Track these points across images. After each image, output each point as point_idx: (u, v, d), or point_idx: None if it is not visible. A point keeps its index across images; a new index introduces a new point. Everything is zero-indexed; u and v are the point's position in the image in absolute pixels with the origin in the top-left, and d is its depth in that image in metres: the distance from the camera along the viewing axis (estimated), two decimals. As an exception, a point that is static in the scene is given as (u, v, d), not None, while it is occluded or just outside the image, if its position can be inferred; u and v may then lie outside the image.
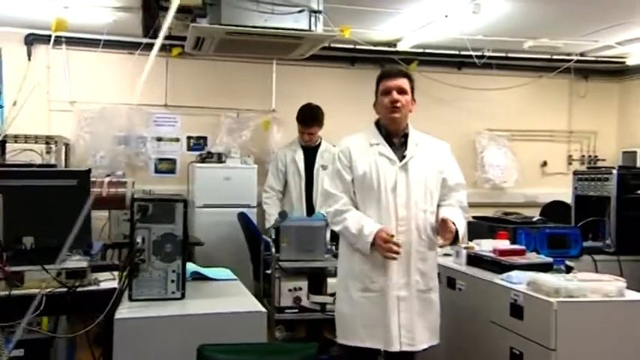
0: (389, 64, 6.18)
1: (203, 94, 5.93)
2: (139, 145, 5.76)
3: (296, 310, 3.49)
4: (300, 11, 3.83)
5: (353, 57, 6.18)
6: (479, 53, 5.95)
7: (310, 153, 4.30)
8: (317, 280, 3.60)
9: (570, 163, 6.92)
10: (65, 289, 1.96)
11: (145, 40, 5.04)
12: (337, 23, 4.79)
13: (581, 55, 6.24)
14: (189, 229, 5.40)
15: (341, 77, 6.29)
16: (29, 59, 5.53)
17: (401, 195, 2.59)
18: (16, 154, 5.22)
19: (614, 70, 6.76)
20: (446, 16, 4.61)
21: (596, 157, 6.97)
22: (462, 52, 5.99)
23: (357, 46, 5.88)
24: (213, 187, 5.27)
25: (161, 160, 5.91)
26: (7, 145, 5.20)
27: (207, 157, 5.56)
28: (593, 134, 6.98)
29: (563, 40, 5.45)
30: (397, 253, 2.50)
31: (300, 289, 3.52)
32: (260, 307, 1.97)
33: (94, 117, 5.61)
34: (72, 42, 5.57)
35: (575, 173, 3.92)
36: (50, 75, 5.61)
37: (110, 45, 5.55)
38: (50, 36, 5.48)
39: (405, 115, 2.69)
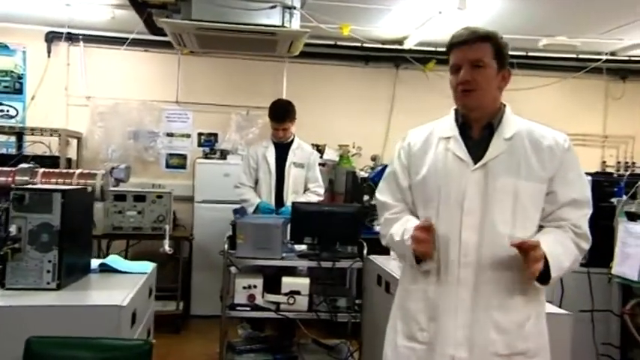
0: (404, 63, 6.05)
1: (214, 91, 5.99)
2: (149, 140, 5.90)
3: (248, 309, 3.45)
4: (272, 7, 3.80)
5: (367, 56, 6.06)
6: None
7: (282, 150, 4.24)
8: (273, 279, 3.54)
9: (604, 170, 6.48)
10: None
11: (158, 38, 5.17)
12: (336, 20, 4.73)
13: (612, 54, 5.82)
14: (186, 223, 5.60)
15: (354, 76, 6.18)
16: (49, 56, 5.78)
17: (471, 211, 1.79)
18: (28, 146, 5.50)
19: (655, 71, 6.28)
20: (440, 13, 4.42)
21: (633, 163, 6.47)
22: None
23: (371, 45, 5.77)
24: (213, 183, 5.33)
25: (172, 155, 6.03)
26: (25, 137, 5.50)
27: (210, 154, 5.63)
28: (631, 139, 6.50)
29: (582, 39, 5.11)
30: (428, 247, 1.79)
31: (255, 287, 3.48)
32: (118, 302, 1.94)
33: (107, 112, 5.80)
34: (89, 39, 5.79)
35: (558, 179, 3.65)
36: (69, 71, 5.85)
37: (123, 42, 5.71)
38: (69, 34, 5.74)
39: (491, 98, 1.87)
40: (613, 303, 3.19)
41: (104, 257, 4.81)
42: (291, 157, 4.23)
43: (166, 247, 4.58)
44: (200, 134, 6.06)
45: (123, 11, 4.70)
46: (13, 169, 3.76)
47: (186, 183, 5.76)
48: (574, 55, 5.87)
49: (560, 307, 3.21)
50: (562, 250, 1.78)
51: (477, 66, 1.81)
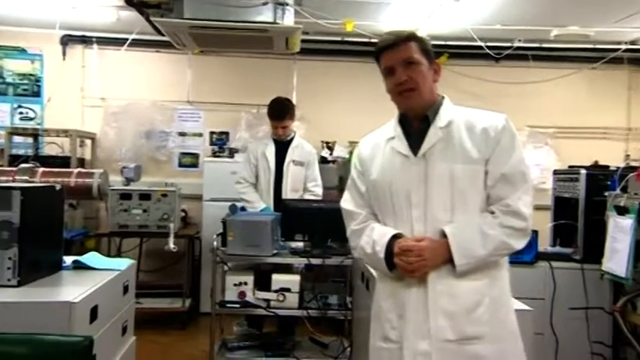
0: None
1: (225, 90, 6.04)
2: (162, 139, 5.99)
3: (238, 305, 3.46)
4: (264, 4, 3.79)
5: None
6: (508, 44, 5.59)
7: (282, 147, 4.22)
8: (264, 276, 3.54)
9: (628, 164, 6.23)
10: None
11: (168, 39, 5.23)
12: (336, 17, 4.70)
13: (632, 43, 5.61)
14: (197, 221, 5.66)
15: (365, 72, 6.08)
16: (64, 59, 5.92)
17: (417, 204, 1.82)
18: (44, 147, 5.67)
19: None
20: (440, 5, 4.34)
21: (660, 156, 6.21)
22: (490, 44, 5.61)
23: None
24: (221, 181, 5.35)
25: (184, 154, 6.10)
26: (40, 138, 5.66)
27: (219, 152, 5.67)
28: (657, 131, 6.26)
29: (595, 28, 4.92)
30: (417, 268, 1.78)
31: (246, 283, 3.49)
32: (69, 299, 1.97)
33: (120, 112, 5.92)
34: (102, 41, 5.91)
35: (555, 172, 3.53)
36: (84, 73, 5.98)
37: (135, 44, 5.79)
38: (84, 36, 5.88)
39: (428, 93, 1.86)
40: (604, 300, 3.07)
41: (115, 255, 5.01)
42: (290, 155, 4.21)
43: (171, 245, 4.66)
44: (212, 133, 6.11)
45: (127, 12, 4.77)
46: (14, 168, 3.90)
47: (197, 181, 5.81)
48: (590, 46, 5.67)
49: (552, 303, 3.12)
50: (476, 236, 1.78)
51: (410, 63, 1.84)
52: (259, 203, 4.20)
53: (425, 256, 1.77)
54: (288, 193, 4.14)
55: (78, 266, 2.53)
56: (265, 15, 3.79)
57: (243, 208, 4.01)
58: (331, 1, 4.42)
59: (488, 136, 1.81)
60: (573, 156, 6.09)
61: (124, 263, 2.68)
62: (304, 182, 4.30)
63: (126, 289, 2.63)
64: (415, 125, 1.90)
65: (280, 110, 4.14)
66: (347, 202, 2.03)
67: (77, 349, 1.71)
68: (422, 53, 1.85)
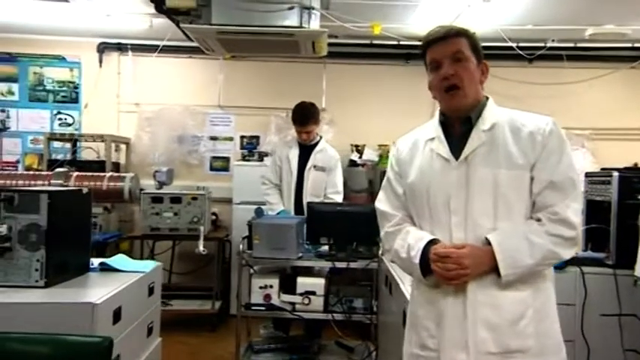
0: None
1: (256, 94, 6.09)
2: (193, 144, 6.09)
3: (263, 308, 3.48)
4: (290, 8, 3.82)
5: (407, 54, 5.96)
6: (541, 44, 5.50)
7: (306, 151, 4.24)
8: (289, 279, 3.56)
9: (668, 167, 6.03)
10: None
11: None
12: (364, 20, 4.71)
13: (672, 41, 5.43)
14: (228, 224, 5.72)
15: (395, 75, 6.10)
16: (100, 66, 6.08)
17: (457, 209, 1.74)
18: (82, 151, 5.82)
19: None
20: (469, 6, 4.29)
21: (701, 158, 5.99)
22: (522, 44, 5.52)
23: (410, 43, 5.67)
24: (250, 184, 5.38)
25: (215, 158, 6.19)
26: (78, 143, 5.82)
27: (248, 156, 5.73)
28: (698, 133, 6.04)
29: (632, 26, 4.79)
30: (458, 275, 1.70)
31: (271, 287, 3.51)
32: (92, 300, 2.02)
33: (153, 117, 6.04)
34: (137, 48, 6.04)
35: (587, 175, 3.43)
36: (120, 79, 6.12)
37: (168, 50, 5.90)
38: (119, 44, 6.03)
39: (474, 93, 1.78)
40: (637, 307, 2.98)
41: (148, 258, 5.11)
42: (312, 160, 4.23)
43: (200, 248, 4.72)
44: (242, 137, 6.18)
45: (159, 20, 4.87)
46: (50, 172, 4.04)
47: (227, 185, 5.87)
48: (629, 45, 5.51)
49: (582, 310, 3.04)
50: (523, 244, 1.69)
51: (458, 59, 1.76)
52: (278, 206, 4.24)
53: (465, 264, 1.69)
54: (308, 198, 4.15)
55: (104, 268, 2.59)
56: (291, 19, 3.82)
57: (260, 210, 4.00)
58: (358, 5, 4.43)
59: (535, 141, 1.72)
60: (611, 158, 5.94)
61: (149, 265, 2.73)
62: (325, 188, 4.29)
63: (151, 290, 2.68)
64: (457, 127, 1.82)
65: (304, 115, 4.17)
66: (382, 203, 1.96)
67: (97, 350, 1.75)
68: (472, 50, 1.78)
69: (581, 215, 1.74)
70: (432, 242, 1.78)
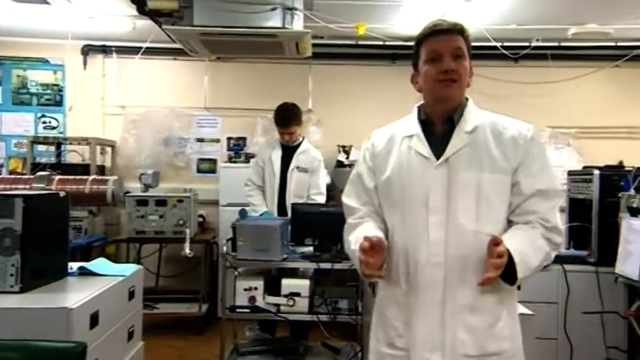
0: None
1: (242, 96, 6.07)
2: (180, 146, 6.06)
3: (248, 310, 3.46)
4: (272, 9, 3.80)
5: (393, 54, 5.96)
6: (526, 44, 5.53)
7: (289, 152, 4.23)
8: (274, 280, 3.54)
9: (654, 165, 6.06)
10: None
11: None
12: (348, 20, 4.70)
13: (655, 39, 5.46)
14: (215, 227, 5.69)
15: (381, 75, 6.09)
16: (85, 68, 6.04)
17: (436, 209, 1.73)
18: (66, 155, 5.78)
19: None
20: (452, 5, 4.29)
21: (687, 156, 6.03)
22: (507, 44, 5.54)
23: (396, 43, 5.67)
24: (236, 186, 5.33)
25: (202, 160, 6.16)
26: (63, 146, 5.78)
27: (235, 158, 5.71)
28: (687, 130, 6.07)
29: (614, 25, 4.81)
30: (374, 271, 1.69)
31: (256, 288, 3.49)
32: (67, 305, 1.99)
33: (139, 120, 6.00)
34: (121, 51, 6.00)
35: (569, 173, 3.45)
36: (105, 82, 6.08)
37: (153, 52, 5.87)
38: (104, 46, 5.99)
39: (462, 92, 1.81)
40: (619, 304, 2.99)
41: (135, 261, 5.07)
42: (294, 162, 4.21)
43: (187, 250, 4.70)
44: (229, 139, 6.15)
45: (142, 21, 4.84)
46: (32, 176, 4.00)
47: (215, 187, 5.83)
48: (612, 43, 5.54)
49: (565, 308, 3.05)
50: (530, 248, 1.71)
51: (458, 56, 1.76)
52: (262, 207, 4.22)
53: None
54: (291, 199, 4.13)
55: (84, 272, 2.56)
56: (274, 20, 3.80)
57: (244, 211, 3.98)
58: (342, 5, 4.42)
59: (517, 145, 1.75)
60: (597, 156, 5.95)
61: (130, 269, 2.71)
62: (308, 189, 4.28)
63: (132, 294, 2.65)
64: (438, 126, 1.82)
65: (286, 117, 4.15)
66: (349, 197, 1.95)
67: (70, 356, 1.73)
68: (468, 50, 1.79)
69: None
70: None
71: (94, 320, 2.16)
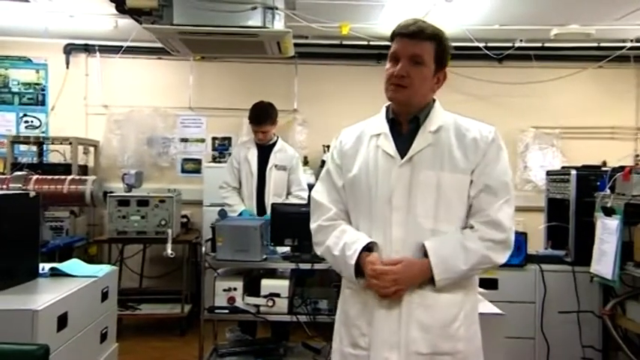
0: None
1: (227, 96, 6.04)
2: (164, 146, 6.02)
3: (227, 311, 3.44)
4: (253, 8, 3.78)
5: (378, 54, 5.95)
6: (509, 44, 5.54)
7: (265, 152, 4.21)
8: (253, 281, 3.52)
9: (637, 164, 6.09)
10: None
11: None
12: (331, 20, 4.68)
13: (638, 40, 5.49)
14: (199, 227, 5.66)
15: (366, 75, 6.07)
16: (67, 67, 5.99)
17: (398, 207, 1.75)
18: (49, 155, 5.74)
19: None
20: (434, 5, 4.29)
21: (671, 155, 6.08)
22: (491, 45, 5.55)
23: (380, 43, 5.66)
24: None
25: (187, 160, 6.12)
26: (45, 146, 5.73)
27: (219, 158, 5.68)
28: (668, 130, 6.11)
29: (596, 26, 4.83)
30: (394, 292, 1.73)
31: (235, 289, 3.46)
32: (32, 306, 1.97)
33: (123, 120, 5.96)
34: (105, 50, 5.95)
35: (548, 173, 3.45)
36: (88, 81, 6.04)
37: (137, 51, 5.84)
38: (86, 45, 5.94)
39: (421, 97, 1.81)
40: (595, 303, 2.99)
41: (117, 262, 5.03)
42: (272, 160, 4.19)
43: (168, 251, 4.66)
44: (214, 139, 6.12)
45: (124, 20, 4.80)
46: (8, 176, 3.97)
47: (199, 187, 5.81)
48: (595, 44, 5.56)
49: (542, 307, 3.05)
50: (455, 251, 1.73)
51: (416, 62, 1.76)
52: (239, 206, 4.20)
53: (400, 281, 1.72)
54: (270, 198, 4.11)
55: (55, 274, 2.53)
56: (254, 19, 3.78)
57: (223, 211, 3.96)
58: (325, 5, 4.41)
59: (477, 147, 1.78)
60: (581, 157, 5.98)
61: (103, 270, 2.68)
62: (288, 187, 4.26)
63: (105, 295, 2.63)
64: (405, 126, 1.84)
65: (259, 115, 4.13)
66: (319, 194, 1.95)
67: (31, 358, 1.70)
68: (434, 57, 1.78)
69: (513, 220, 1.77)
70: (367, 246, 1.78)
71: (62, 322, 2.13)
